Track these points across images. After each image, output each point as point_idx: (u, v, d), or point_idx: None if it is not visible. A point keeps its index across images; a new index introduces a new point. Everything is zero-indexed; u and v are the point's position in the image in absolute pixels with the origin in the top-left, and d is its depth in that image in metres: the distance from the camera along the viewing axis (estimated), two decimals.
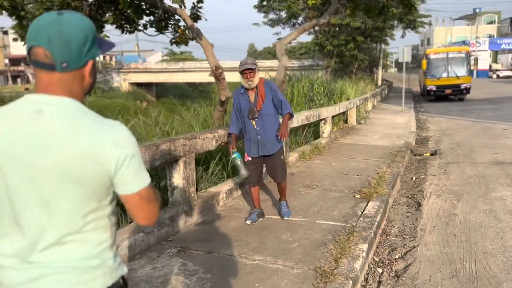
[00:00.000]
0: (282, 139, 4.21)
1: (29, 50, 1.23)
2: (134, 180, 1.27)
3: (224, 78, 7.97)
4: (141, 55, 70.20)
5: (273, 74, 13.00)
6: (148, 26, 9.26)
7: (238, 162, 4.24)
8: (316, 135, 10.17)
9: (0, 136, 1.21)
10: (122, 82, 50.29)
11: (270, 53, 62.98)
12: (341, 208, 5.08)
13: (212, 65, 7.83)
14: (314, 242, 4.03)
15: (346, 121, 12.64)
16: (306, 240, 4.09)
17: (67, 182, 1.21)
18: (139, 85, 49.55)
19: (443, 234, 4.62)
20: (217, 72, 7.77)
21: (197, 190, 5.31)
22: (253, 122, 4.29)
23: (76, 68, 1.25)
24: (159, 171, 5.07)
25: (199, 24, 10.79)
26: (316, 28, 27.87)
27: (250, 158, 4.40)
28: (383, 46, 31.85)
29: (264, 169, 4.68)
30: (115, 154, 1.22)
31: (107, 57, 69.96)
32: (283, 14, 26.15)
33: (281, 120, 4.36)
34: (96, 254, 1.28)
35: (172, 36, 9.14)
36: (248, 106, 4.28)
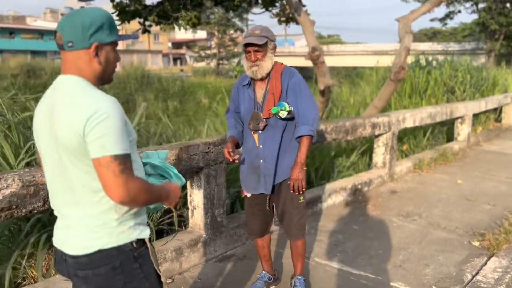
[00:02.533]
0: (296, 193, 2.66)
1: (55, 35, 1.45)
2: (96, 145, 1.33)
3: (323, 62, 6.52)
4: (290, 39, 70.39)
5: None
6: (253, 2, 8.25)
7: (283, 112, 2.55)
8: (450, 136, 8.00)
9: (36, 114, 1.50)
10: None
11: (426, 35, 56.88)
12: (442, 262, 3.36)
13: (310, 46, 6.44)
14: None
15: (498, 120, 9.91)
16: None
17: (64, 150, 1.40)
18: None
19: None
20: (314, 55, 6.37)
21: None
22: (255, 136, 2.66)
23: (81, 48, 1.42)
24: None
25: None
26: (481, 5, 23.62)
27: (249, 194, 2.83)
28: None
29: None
30: (85, 118, 1.32)
31: None
32: None
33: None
34: (97, 215, 1.44)
35: (280, 15, 7.96)
36: (251, 108, 2.66)
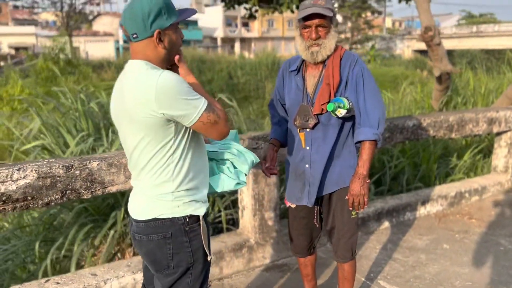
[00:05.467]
0: (356, 210, 2.14)
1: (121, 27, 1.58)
2: (188, 116, 1.47)
3: (438, 44, 5.55)
4: (436, 19, 64.49)
5: None
6: None
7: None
8: None
9: (112, 97, 1.64)
10: (405, 49, 47.92)
11: None
12: None
13: (423, 26, 5.54)
14: None
15: None
16: None
17: (132, 125, 1.51)
18: (423, 52, 45.84)
19: None
20: (427, 36, 5.45)
21: None
22: (301, 135, 2.20)
23: (145, 37, 1.51)
24: None
25: None
26: None
27: (293, 205, 2.33)
28: None
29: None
30: (153, 93, 1.43)
31: (396, 24, 67.35)
32: None
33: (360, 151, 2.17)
34: (155, 187, 1.56)
35: None
36: (298, 100, 2.18)
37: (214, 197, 3.23)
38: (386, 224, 3.67)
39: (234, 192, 3.42)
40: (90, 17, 44.94)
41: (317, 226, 2.35)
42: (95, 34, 43.92)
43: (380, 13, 48.82)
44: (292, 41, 58.65)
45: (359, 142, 2.14)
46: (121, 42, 44.71)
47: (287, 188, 2.35)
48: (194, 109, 1.46)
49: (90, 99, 3.79)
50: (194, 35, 50.18)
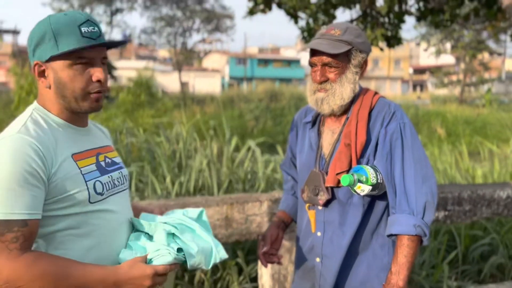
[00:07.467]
0: None
1: None
2: None
3: None
4: None
5: None
6: (472, 15, 6.54)
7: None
8: None
9: None
10: None
11: None
12: None
13: None
14: None
15: None
16: None
17: None
18: None
19: None
20: None
21: None
22: (311, 215, 1.56)
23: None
24: None
25: None
26: None
27: None
28: None
29: None
30: None
31: None
32: None
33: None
34: None
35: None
36: (310, 163, 1.59)
37: (228, 263, 2.64)
38: None
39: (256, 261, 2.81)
40: (202, 55, 48.10)
41: None
42: (204, 70, 46.84)
43: (499, 54, 44.85)
44: (398, 81, 56.41)
45: (393, 235, 1.44)
46: (226, 79, 46.98)
47: (293, 286, 1.71)
48: None
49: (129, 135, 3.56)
50: (297, 74, 50.87)
